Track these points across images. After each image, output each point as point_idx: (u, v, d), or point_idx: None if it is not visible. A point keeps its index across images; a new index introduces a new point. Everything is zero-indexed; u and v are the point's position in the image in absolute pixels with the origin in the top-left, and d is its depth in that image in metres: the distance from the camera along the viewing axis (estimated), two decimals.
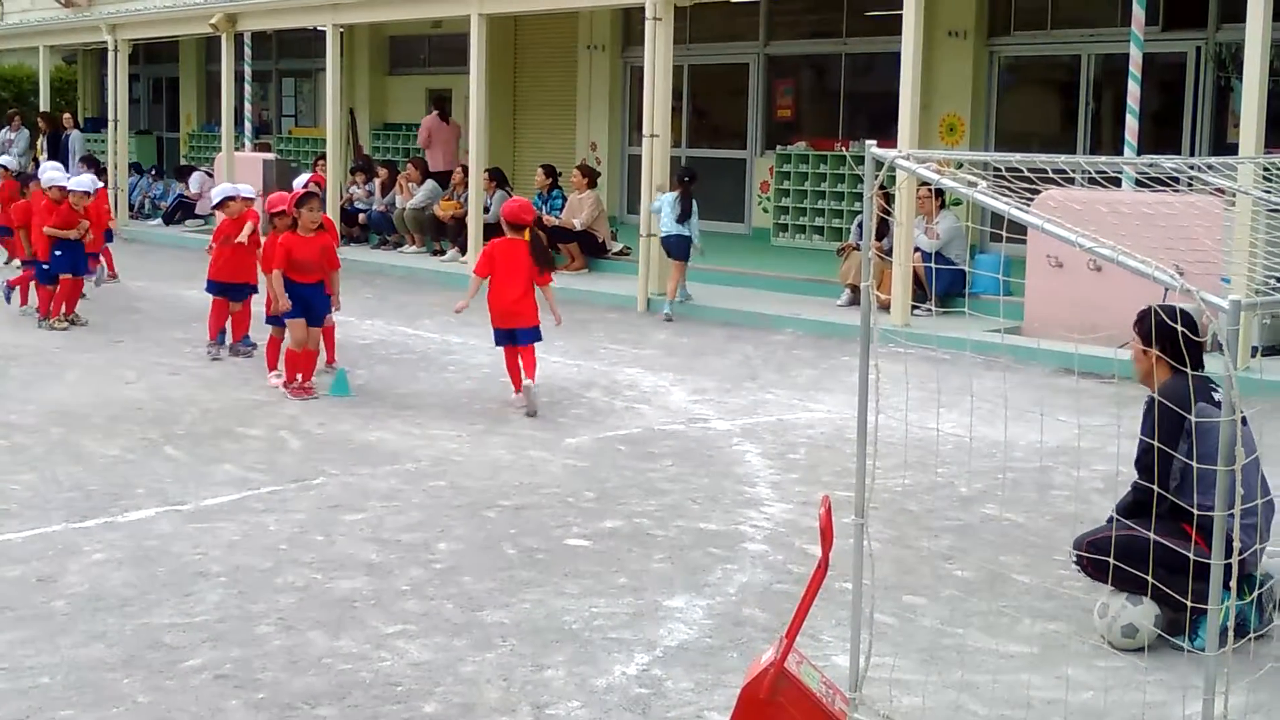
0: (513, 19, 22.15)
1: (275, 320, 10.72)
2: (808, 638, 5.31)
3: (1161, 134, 15.98)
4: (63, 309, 13.34)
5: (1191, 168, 5.30)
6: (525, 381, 9.87)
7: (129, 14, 23.60)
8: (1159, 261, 3.67)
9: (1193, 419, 4.82)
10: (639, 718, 4.84)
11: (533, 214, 10.46)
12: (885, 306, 13.13)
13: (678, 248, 14.80)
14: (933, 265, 13.52)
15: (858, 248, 14.24)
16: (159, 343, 12.62)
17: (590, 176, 17.85)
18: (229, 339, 12.01)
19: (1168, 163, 5.11)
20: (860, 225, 15.37)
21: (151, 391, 10.43)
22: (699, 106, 22.00)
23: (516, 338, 9.99)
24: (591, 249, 17.76)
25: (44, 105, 26.62)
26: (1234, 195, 8.25)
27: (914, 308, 13.18)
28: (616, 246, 18.01)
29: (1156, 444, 5.35)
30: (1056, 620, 5.84)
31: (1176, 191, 7.57)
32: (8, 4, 29.37)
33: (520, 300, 9.87)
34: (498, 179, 18.99)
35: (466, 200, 18.43)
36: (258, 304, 11.67)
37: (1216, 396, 5.42)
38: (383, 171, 20.84)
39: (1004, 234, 4.64)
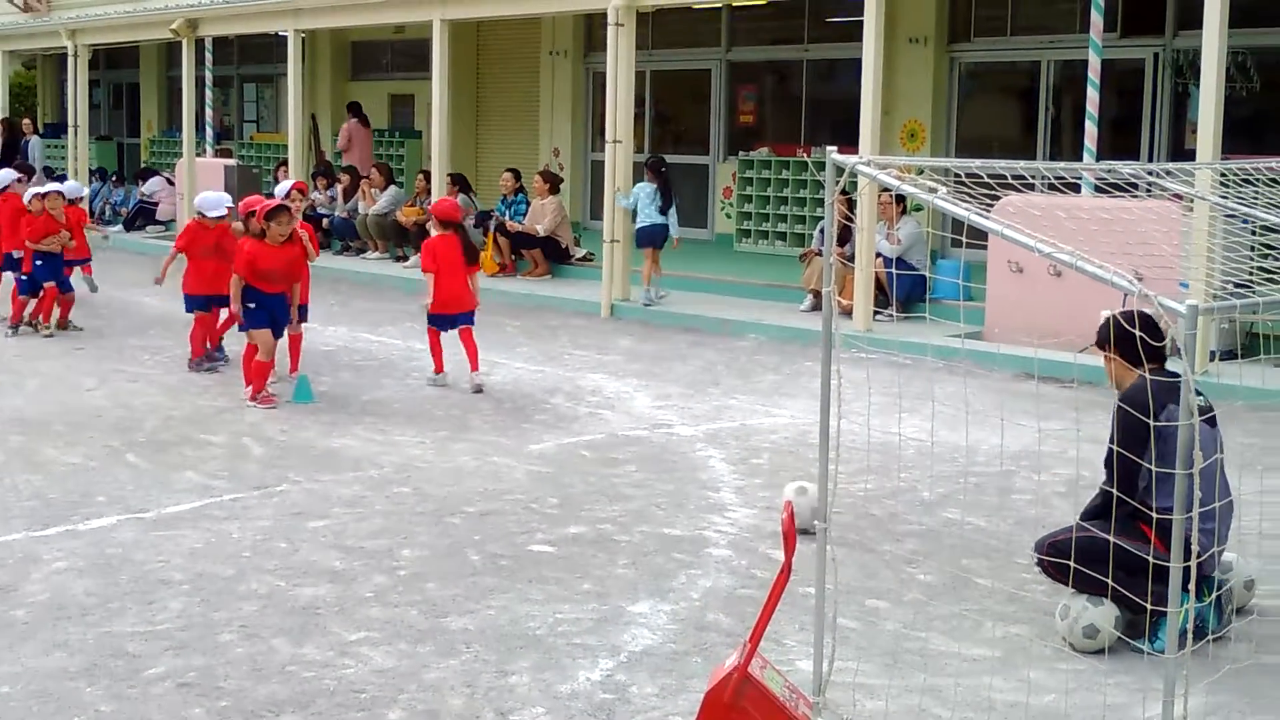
0: (475, 24, 22.13)
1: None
2: (771, 642, 5.33)
3: (1120, 140, 16.12)
4: (54, 317, 13.21)
5: (1150, 173, 5.35)
6: (473, 375, 10.75)
7: (89, 19, 23.46)
8: (1117, 266, 3.71)
9: (1152, 422, 4.86)
10: None
11: (461, 212, 11.44)
12: (847, 312, 13.19)
13: (657, 237, 15.07)
14: (894, 271, 13.58)
15: (820, 253, 14.30)
16: (119, 350, 12.54)
17: (552, 182, 17.85)
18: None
19: (1126, 168, 5.16)
20: (822, 231, 15.41)
21: (112, 398, 10.36)
22: (662, 112, 22.05)
23: (457, 321, 10.86)
24: (555, 255, 17.75)
25: (3, 111, 26.42)
26: (1192, 201, 8.33)
27: (876, 313, 13.24)
28: (580, 252, 18.00)
29: (1117, 449, 5.39)
30: (1018, 623, 5.88)
31: (1135, 197, 7.64)
32: None
33: (464, 288, 10.88)
34: (461, 184, 18.98)
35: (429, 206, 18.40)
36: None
37: (1197, 403, 5.42)
38: (344, 177, 20.80)
39: (964, 239, 4.67)
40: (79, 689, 5.07)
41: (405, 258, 18.94)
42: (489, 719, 4.88)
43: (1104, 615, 5.50)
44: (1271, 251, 5.10)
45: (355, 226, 20.17)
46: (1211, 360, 10.87)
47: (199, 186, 19.71)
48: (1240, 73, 14.86)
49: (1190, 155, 13.64)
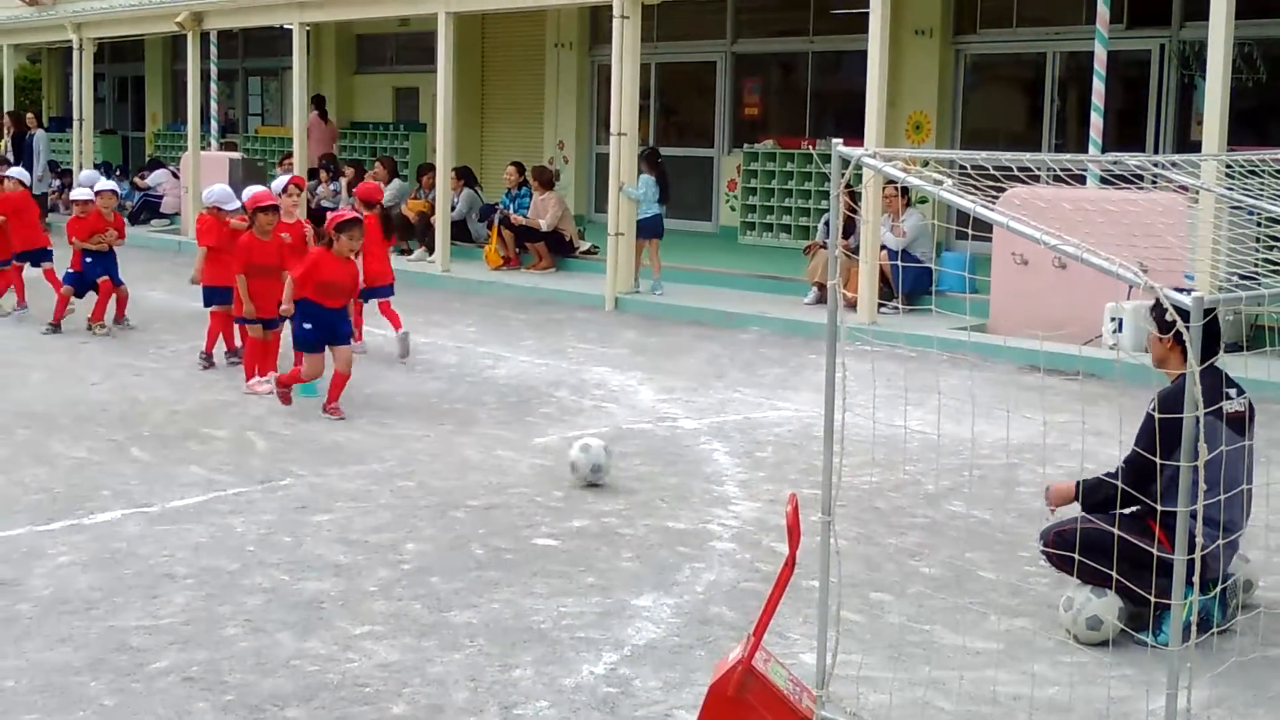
0: (480, 17, 22.11)
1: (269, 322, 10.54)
2: (775, 635, 5.32)
3: (1126, 131, 16.09)
4: (108, 315, 13.08)
5: (1155, 165, 5.34)
6: (398, 333, 11.73)
7: (94, 12, 23.44)
8: (1123, 259, 3.70)
9: (1200, 414, 4.80)
10: (607, 717, 4.85)
11: (382, 194, 12.17)
12: (852, 305, 13.17)
13: (658, 227, 15.56)
14: (899, 263, 13.56)
15: (824, 246, 14.28)
16: (124, 344, 12.55)
17: (544, 179, 17.83)
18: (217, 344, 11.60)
19: (1132, 160, 5.15)
20: (827, 223, 15.40)
21: (117, 393, 10.37)
22: (667, 105, 22.03)
23: (375, 294, 11.80)
24: (559, 248, 17.75)
25: (8, 105, 26.42)
26: (1198, 192, 8.31)
27: (880, 306, 13.21)
28: (584, 245, 18.00)
29: (1141, 449, 5.35)
30: (1022, 616, 5.87)
31: (1141, 189, 7.61)
32: None
33: (381, 263, 11.93)
34: (466, 177, 18.99)
35: (434, 199, 18.40)
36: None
37: (1228, 407, 5.37)
38: (349, 170, 20.78)
39: (970, 232, 4.66)
40: (83, 683, 5.07)
41: (409, 250, 18.93)
42: (493, 713, 4.88)
43: (1107, 607, 5.49)
44: (1277, 243, 5.08)
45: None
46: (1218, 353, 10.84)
47: (204, 180, 19.73)
48: (1246, 64, 14.84)
49: (1196, 147, 13.60)
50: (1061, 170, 4.54)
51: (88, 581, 6.19)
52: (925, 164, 4.53)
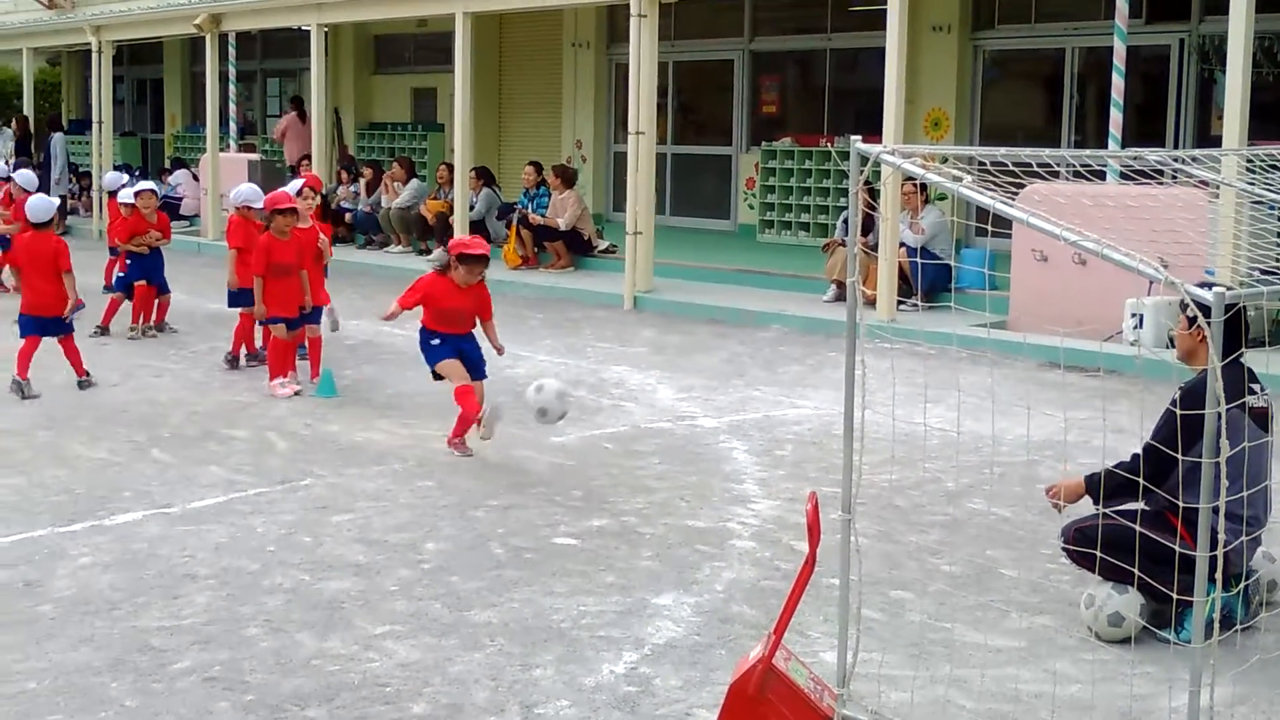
0: (497, 17, 22.13)
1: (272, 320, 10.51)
2: (795, 634, 5.31)
3: (1145, 127, 16.02)
4: (152, 318, 13.13)
5: (1176, 160, 5.31)
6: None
7: (113, 15, 23.54)
8: (1144, 254, 3.68)
9: (1222, 409, 4.77)
10: (628, 716, 4.84)
11: (294, 201, 10.76)
12: (871, 302, 13.14)
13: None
14: (918, 260, 13.55)
15: (843, 243, 14.26)
16: (144, 345, 12.59)
17: (565, 177, 17.84)
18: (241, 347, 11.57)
19: (1152, 156, 5.12)
20: (846, 221, 15.39)
21: (137, 394, 10.40)
22: (684, 103, 22.02)
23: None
24: (578, 247, 17.75)
25: (28, 108, 26.54)
26: (1218, 188, 8.27)
27: (900, 303, 13.19)
28: (602, 244, 18.00)
29: (1161, 443, 5.32)
30: (1044, 614, 5.85)
31: (1161, 184, 7.58)
32: None
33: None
34: (485, 177, 19.01)
35: (453, 199, 18.43)
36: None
37: (1251, 401, 5.34)
38: (368, 171, 20.83)
39: (989, 228, 4.64)
40: (105, 684, 5.09)
41: (428, 250, 18.95)
42: (514, 712, 4.87)
43: (1129, 603, 5.47)
44: None
45: (378, 220, 20.21)
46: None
47: (223, 182, 19.80)
48: (1267, 58, 14.77)
49: (1216, 141, 13.55)
50: (1081, 166, 4.52)
51: (109, 582, 6.21)
52: (944, 160, 4.51)
